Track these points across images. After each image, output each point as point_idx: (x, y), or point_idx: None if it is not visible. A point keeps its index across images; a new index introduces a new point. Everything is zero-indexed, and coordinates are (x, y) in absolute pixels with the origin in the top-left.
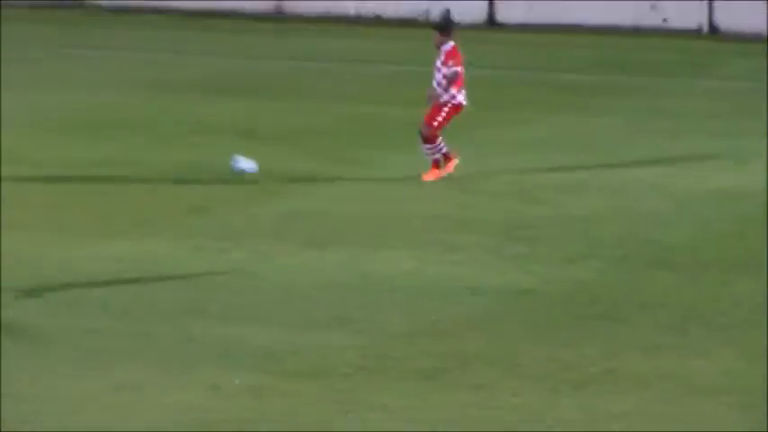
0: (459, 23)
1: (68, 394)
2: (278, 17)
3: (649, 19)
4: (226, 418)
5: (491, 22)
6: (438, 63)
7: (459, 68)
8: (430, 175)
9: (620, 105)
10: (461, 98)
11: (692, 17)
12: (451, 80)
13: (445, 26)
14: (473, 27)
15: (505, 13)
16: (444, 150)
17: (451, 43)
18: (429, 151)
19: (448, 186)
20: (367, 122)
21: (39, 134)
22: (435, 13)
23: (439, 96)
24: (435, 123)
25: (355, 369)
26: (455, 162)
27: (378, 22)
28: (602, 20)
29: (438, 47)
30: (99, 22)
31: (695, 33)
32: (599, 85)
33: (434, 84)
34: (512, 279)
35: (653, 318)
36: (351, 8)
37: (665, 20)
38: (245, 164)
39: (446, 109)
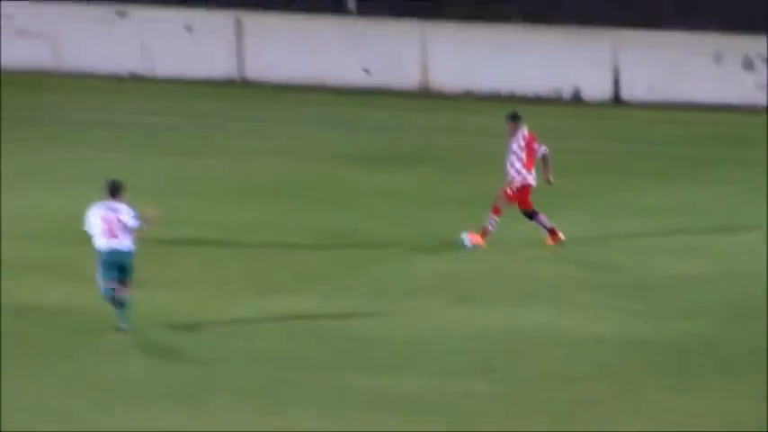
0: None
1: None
2: (423, 95)
3: (761, 99)
4: None
5: (616, 100)
6: (515, 146)
7: (546, 149)
8: (475, 238)
9: (729, 177)
10: (531, 180)
11: None
12: (547, 162)
13: (516, 117)
14: (599, 104)
15: (629, 92)
16: (548, 225)
17: (526, 129)
18: (491, 221)
19: (571, 249)
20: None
21: (196, 198)
22: (567, 91)
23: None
24: (507, 192)
25: (494, 413)
26: (560, 236)
27: (512, 98)
28: (718, 98)
29: (512, 134)
30: (264, 96)
31: None
32: (712, 158)
33: (509, 164)
34: (634, 332)
35: (762, 369)
36: (487, 86)
37: None
38: (467, 240)
39: (517, 186)
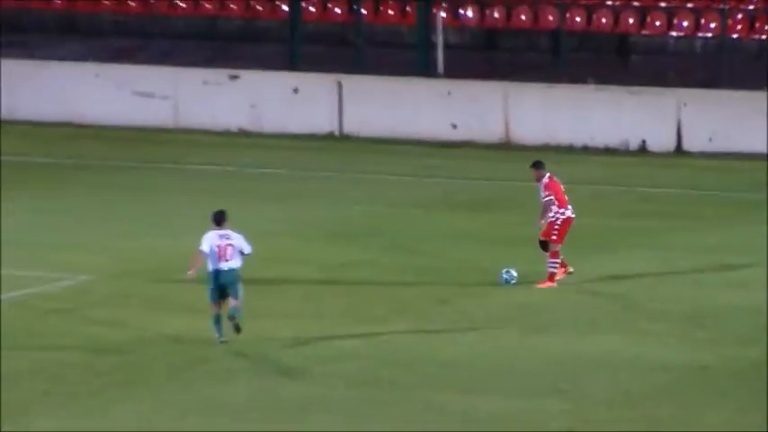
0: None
1: None
2: (505, 147)
3: None
4: None
5: (678, 150)
6: (541, 192)
7: (552, 198)
8: (545, 284)
9: None
10: (569, 213)
11: None
12: (546, 210)
13: (540, 165)
14: (663, 154)
15: (690, 143)
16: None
17: (547, 175)
18: (551, 264)
19: (635, 283)
20: (578, 230)
21: (298, 239)
22: (633, 142)
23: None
24: (554, 237)
25: (565, 429)
26: (568, 269)
27: (585, 150)
28: None
29: (538, 180)
30: (361, 150)
31: None
32: (762, 201)
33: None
34: (694, 357)
35: None
36: (563, 139)
37: None
38: (508, 276)
39: (558, 224)
